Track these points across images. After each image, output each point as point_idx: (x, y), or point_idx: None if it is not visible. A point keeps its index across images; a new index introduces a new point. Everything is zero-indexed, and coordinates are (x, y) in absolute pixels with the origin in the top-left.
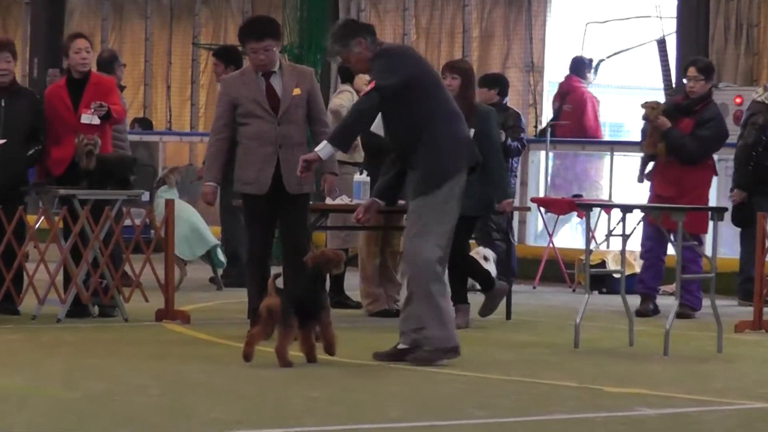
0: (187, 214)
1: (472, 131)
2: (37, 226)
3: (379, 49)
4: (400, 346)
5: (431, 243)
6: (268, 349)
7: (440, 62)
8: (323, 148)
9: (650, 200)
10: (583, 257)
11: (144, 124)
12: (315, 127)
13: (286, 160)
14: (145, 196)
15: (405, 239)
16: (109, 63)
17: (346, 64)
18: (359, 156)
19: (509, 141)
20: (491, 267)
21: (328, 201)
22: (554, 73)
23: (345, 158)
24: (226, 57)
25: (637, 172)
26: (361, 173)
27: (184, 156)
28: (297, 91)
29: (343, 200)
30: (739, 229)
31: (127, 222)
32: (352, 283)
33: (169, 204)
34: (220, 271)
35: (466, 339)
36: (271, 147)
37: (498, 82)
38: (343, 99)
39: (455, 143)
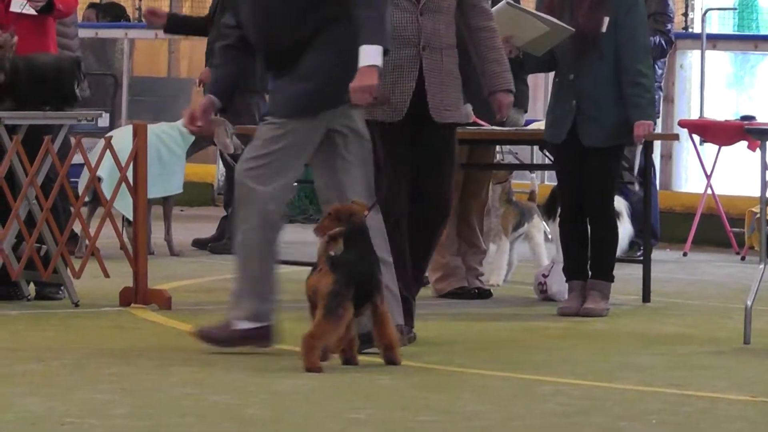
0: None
1: (605, 21)
2: None
3: None
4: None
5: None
6: (284, 347)
7: None
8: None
9: None
10: (756, 209)
11: (107, 11)
12: (474, 20)
13: (432, 70)
14: (103, 120)
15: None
16: None
17: None
18: None
19: (650, 35)
20: (625, 224)
21: None
22: None
23: None
24: None
25: None
26: None
27: (161, 61)
28: None
29: None
30: None
31: (77, 159)
32: None
33: (139, 130)
34: None
35: (582, 331)
36: (410, 48)
37: None
38: None
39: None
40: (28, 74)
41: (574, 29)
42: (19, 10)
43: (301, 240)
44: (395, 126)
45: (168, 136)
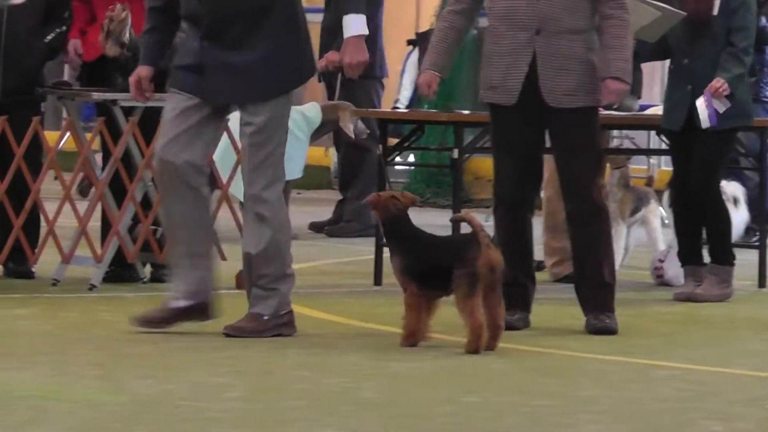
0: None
1: (717, 3)
2: (59, 146)
3: None
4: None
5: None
6: (387, 328)
7: None
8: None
9: None
10: None
11: None
12: (603, 7)
13: (546, 54)
14: None
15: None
16: None
17: None
18: None
19: (764, 21)
20: (742, 210)
21: None
22: None
23: None
24: None
25: None
26: None
27: None
28: None
29: None
30: None
31: None
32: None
33: None
34: None
35: (697, 317)
36: (525, 32)
37: None
38: None
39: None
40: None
41: (685, 13)
42: None
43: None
44: (509, 109)
45: (292, 121)
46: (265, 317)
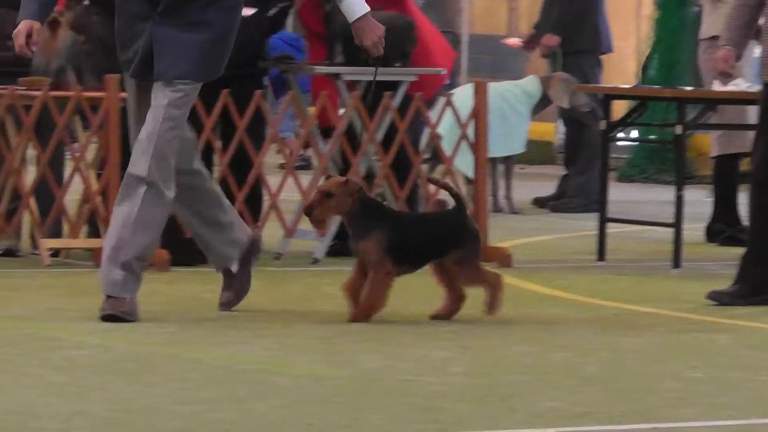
0: (498, 100)
1: None
2: (282, 119)
3: None
4: None
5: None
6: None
7: None
8: None
9: None
10: None
11: None
12: None
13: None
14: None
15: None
16: None
17: None
18: None
19: None
20: None
21: (717, 86)
22: None
23: None
24: None
25: None
26: None
27: (500, 19)
28: None
29: (737, 86)
30: None
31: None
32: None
33: (479, 88)
34: None
35: None
36: None
37: None
38: None
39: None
40: None
41: None
42: None
43: (636, 199)
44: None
45: (512, 95)
46: None
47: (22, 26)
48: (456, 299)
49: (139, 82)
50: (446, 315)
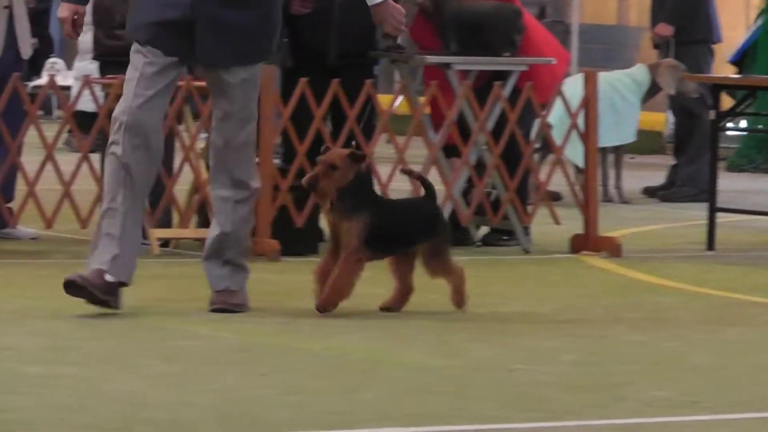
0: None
1: None
2: (392, 110)
3: None
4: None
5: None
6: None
7: None
8: None
9: None
10: None
11: None
12: None
13: None
14: None
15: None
16: None
17: None
18: None
19: None
20: None
21: None
22: None
23: None
24: None
25: None
26: None
27: (610, 8)
28: None
29: None
30: None
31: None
32: None
33: (590, 77)
34: None
35: None
36: None
37: None
38: None
39: None
40: (472, 20)
41: None
42: None
43: (746, 189)
44: None
45: (622, 84)
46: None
47: (66, 11)
48: (405, 291)
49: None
50: (397, 306)
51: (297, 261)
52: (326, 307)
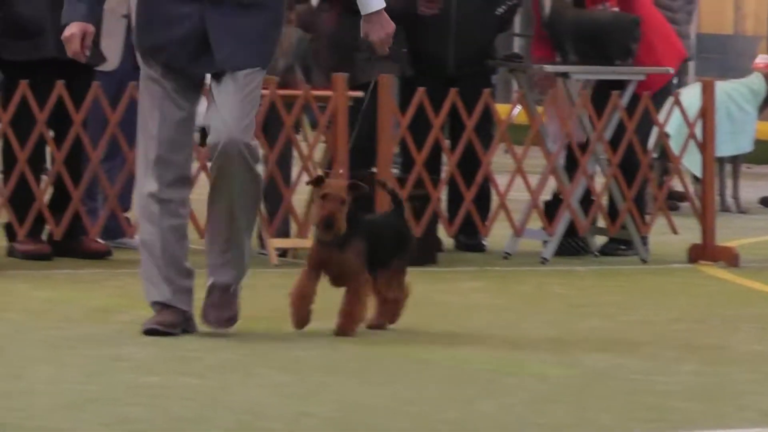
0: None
1: None
2: (510, 119)
3: None
4: None
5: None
6: None
7: None
8: None
9: None
10: None
11: None
12: None
13: None
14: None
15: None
16: None
17: None
18: None
19: None
20: None
21: None
22: None
23: None
24: None
25: None
26: None
27: (727, 18)
28: None
29: None
30: None
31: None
32: None
33: (707, 87)
34: None
35: None
36: None
37: None
38: None
39: None
40: (590, 30)
41: None
42: None
43: None
44: None
45: (738, 94)
46: None
47: (76, 29)
48: (392, 303)
49: (177, 74)
50: (390, 320)
51: (415, 271)
52: (347, 334)
